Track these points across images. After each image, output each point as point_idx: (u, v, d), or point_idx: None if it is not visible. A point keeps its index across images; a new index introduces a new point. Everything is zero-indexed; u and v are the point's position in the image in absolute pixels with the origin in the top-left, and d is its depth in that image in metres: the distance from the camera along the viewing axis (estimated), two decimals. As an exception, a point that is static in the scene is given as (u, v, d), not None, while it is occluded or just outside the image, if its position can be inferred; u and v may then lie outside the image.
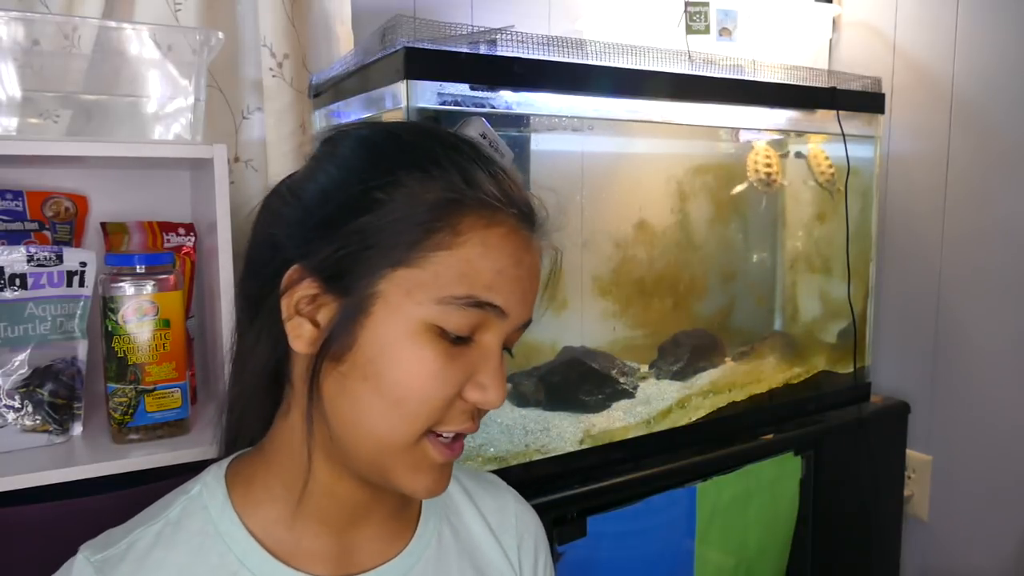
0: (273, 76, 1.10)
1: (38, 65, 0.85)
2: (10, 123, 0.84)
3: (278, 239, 0.53)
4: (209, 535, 0.54)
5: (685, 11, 1.26)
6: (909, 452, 1.49)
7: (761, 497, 1.24)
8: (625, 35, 1.28)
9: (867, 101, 1.39)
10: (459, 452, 0.54)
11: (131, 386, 0.85)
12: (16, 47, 0.82)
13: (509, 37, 0.97)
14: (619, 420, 1.20)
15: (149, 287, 0.84)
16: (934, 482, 1.47)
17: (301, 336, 0.51)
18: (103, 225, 1.00)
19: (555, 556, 1.00)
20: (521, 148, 1.18)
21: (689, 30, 1.26)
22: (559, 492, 1.03)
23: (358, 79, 1.02)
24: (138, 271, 0.84)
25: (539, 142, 1.23)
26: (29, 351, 0.85)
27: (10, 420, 0.84)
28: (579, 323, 1.38)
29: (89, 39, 0.90)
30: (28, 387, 0.84)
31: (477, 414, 0.53)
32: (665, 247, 1.45)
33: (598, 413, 1.22)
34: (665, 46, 1.13)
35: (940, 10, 1.39)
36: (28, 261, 0.83)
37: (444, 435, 0.52)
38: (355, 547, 0.57)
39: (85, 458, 0.82)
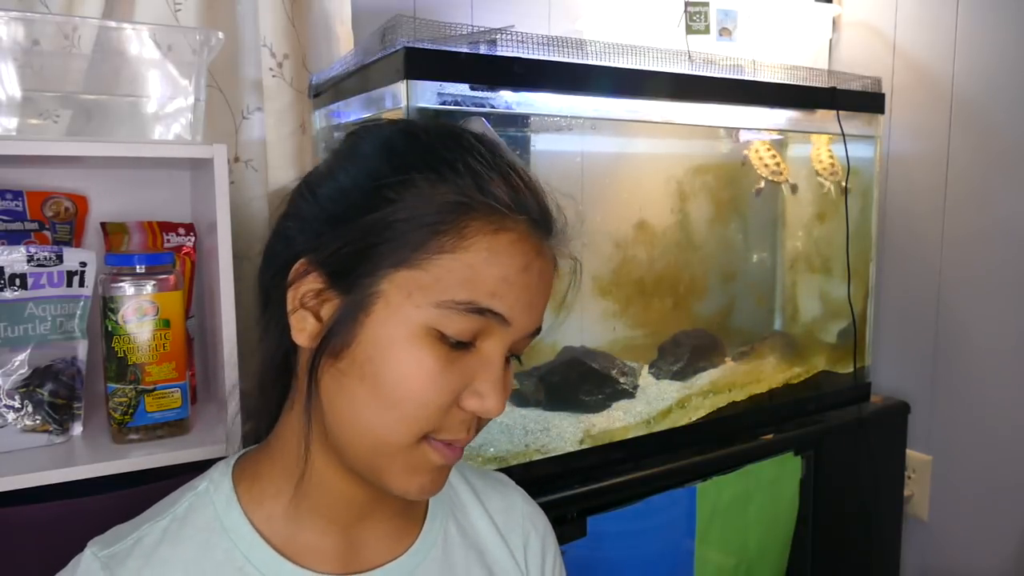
0: (273, 76, 1.10)
1: (38, 65, 0.85)
2: (10, 123, 0.84)
3: (291, 232, 0.53)
4: (215, 531, 0.54)
5: (685, 11, 1.26)
6: (909, 452, 1.49)
7: (761, 497, 1.24)
8: (625, 35, 1.28)
9: (867, 101, 1.39)
10: (459, 454, 0.53)
11: (131, 386, 0.85)
12: (16, 47, 0.82)
13: (509, 37, 0.97)
14: (619, 420, 1.20)
15: (149, 287, 0.84)
16: (934, 482, 1.47)
17: (304, 329, 0.51)
18: (103, 225, 1.00)
19: (555, 556, 1.00)
20: (521, 148, 1.18)
21: (689, 30, 1.26)
22: (559, 492, 1.03)
23: (358, 79, 1.02)
24: (138, 271, 0.84)
25: (539, 142, 1.23)
26: (29, 351, 0.85)
27: (10, 420, 0.84)
28: (579, 323, 1.38)
29: (89, 39, 0.90)
30: (28, 387, 0.84)
31: (475, 424, 0.53)
32: (665, 247, 1.45)
33: (598, 413, 1.22)
34: (665, 46, 1.13)
35: (940, 10, 1.39)
36: (28, 261, 0.83)
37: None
38: (361, 544, 0.57)
39: (85, 458, 0.82)
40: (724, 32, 1.35)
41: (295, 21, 1.12)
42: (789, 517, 1.30)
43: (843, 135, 1.32)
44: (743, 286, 1.60)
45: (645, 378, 1.38)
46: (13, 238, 0.92)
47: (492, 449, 1.07)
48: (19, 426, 0.84)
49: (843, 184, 1.39)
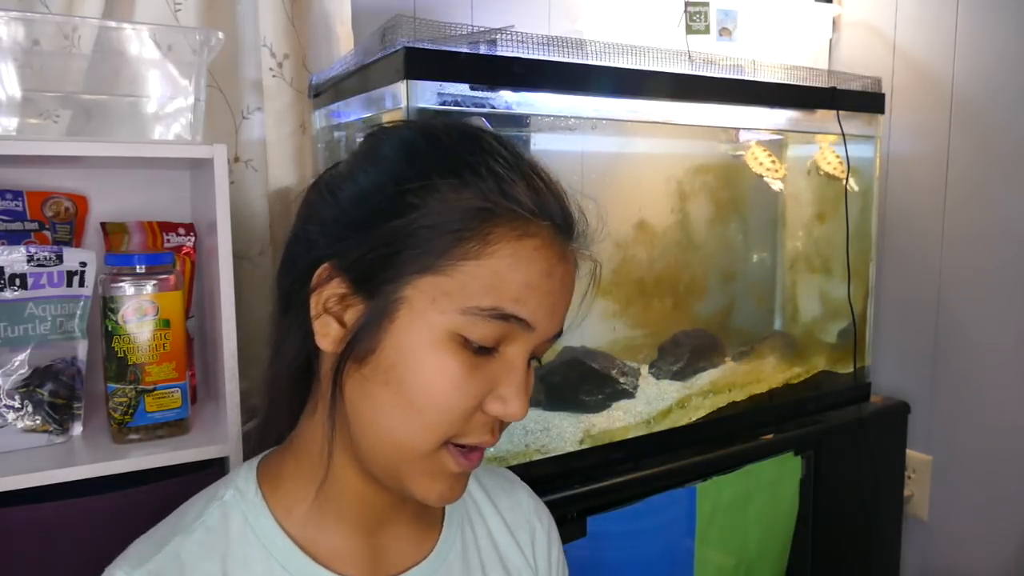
0: (273, 76, 1.10)
1: (38, 65, 0.85)
2: (10, 123, 0.84)
3: (312, 236, 0.53)
4: (249, 541, 0.53)
5: (685, 11, 1.26)
6: (909, 452, 1.49)
7: (761, 497, 1.24)
8: (625, 35, 1.28)
9: (867, 101, 1.39)
10: (477, 462, 0.53)
11: (131, 386, 0.85)
12: (16, 47, 0.82)
13: (509, 37, 0.97)
14: (619, 420, 1.20)
15: (149, 287, 0.84)
16: (934, 482, 1.47)
17: (328, 334, 0.51)
18: (103, 225, 1.00)
19: (555, 556, 1.00)
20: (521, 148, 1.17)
21: (689, 30, 1.26)
22: (559, 492, 1.03)
23: (358, 79, 1.02)
24: (138, 271, 0.84)
25: (539, 142, 1.23)
26: (29, 351, 0.85)
27: (10, 420, 0.83)
28: (579, 323, 1.37)
29: (89, 39, 0.90)
30: (28, 387, 0.84)
31: (498, 427, 0.53)
32: (665, 247, 1.45)
33: (598, 413, 1.22)
34: (665, 46, 1.13)
35: (940, 10, 1.39)
36: (28, 261, 0.83)
37: (463, 445, 0.51)
38: (385, 549, 0.57)
39: (85, 458, 0.82)
40: (724, 32, 1.35)
41: (295, 21, 1.12)
42: (789, 517, 1.30)
43: (843, 135, 1.32)
44: (743, 286, 1.60)
45: (645, 378, 1.38)
46: (13, 238, 0.92)
47: (492, 449, 1.07)
48: (19, 426, 0.84)
49: (848, 183, 1.38)
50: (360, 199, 0.51)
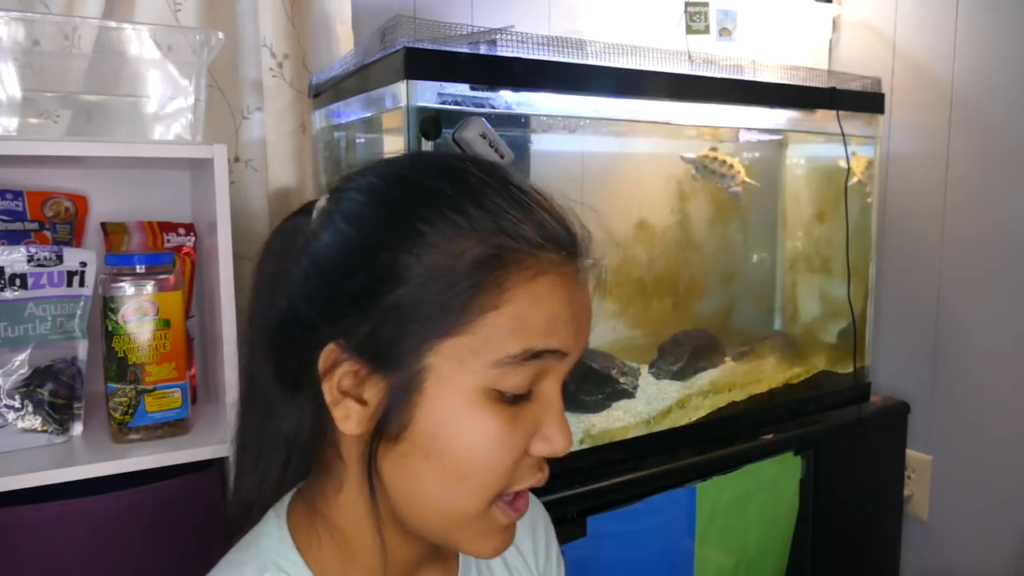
0: (273, 76, 1.10)
1: (38, 65, 0.85)
2: (10, 123, 0.84)
3: (303, 314, 0.49)
4: None
5: (685, 11, 1.26)
6: (909, 452, 1.49)
7: (761, 497, 1.24)
8: (625, 35, 1.28)
9: (867, 101, 1.39)
10: (526, 508, 0.51)
11: (131, 386, 0.85)
12: (16, 47, 0.82)
13: (509, 37, 0.97)
14: (619, 420, 1.20)
15: (149, 287, 0.84)
16: (934, 482, 1.47)
17: (349, 418, 0.48)
18: (103, 225, 1.00)
19: (555, 556, 1.00)
20: (521, 148, 1.17)
21: (689, 30, 1.26)
22: (559, 492, 1.03)
23: (358, 79, 1.02)
24: (138, 271, 0.84)
25: (539, 142, 1.23)
26: (29, 351, 0.85)
27: (10, 420, 0.84)
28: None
29: (89, 39, 0.90)
30: (28, 387, 0.84)
31: (544, 463, 0.51)
32: (665, 247, 1.45)
33: (598, 413, 1.22)
34: (665, 46, 1.13)
35: (940, 10, 1.39)
36: (28, 261, 0.83)
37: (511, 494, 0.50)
38: None
39: (85, 458, 0.82)
40: (724, 32, 1.35)
41: (295, 21, 1.12)
42: (789, 517, 1.30)
43: (843, 135, 1.32)
44: (743, 286, 1.60)
45: (645, 378, 1.38)
46: (13, 238, 0.92)
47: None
48: (19, 426, 0.84)
49: (844, 190, 1.38)
50: (348, 267, 0.47)
